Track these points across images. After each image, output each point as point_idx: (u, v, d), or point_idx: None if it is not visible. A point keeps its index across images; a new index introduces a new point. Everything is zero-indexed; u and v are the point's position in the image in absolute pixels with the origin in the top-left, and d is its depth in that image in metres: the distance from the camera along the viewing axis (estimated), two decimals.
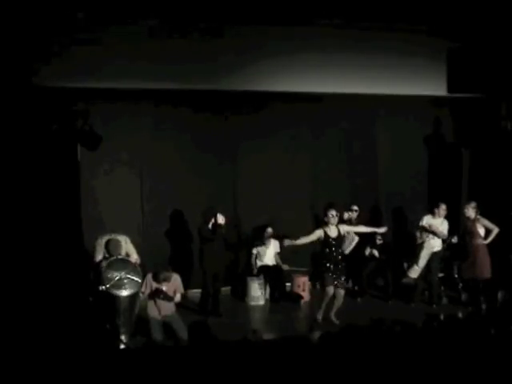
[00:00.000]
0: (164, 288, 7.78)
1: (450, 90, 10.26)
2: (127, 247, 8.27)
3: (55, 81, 8.72)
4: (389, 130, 10.86)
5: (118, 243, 8.08)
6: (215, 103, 10.02)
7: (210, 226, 9.00)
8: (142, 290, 7.85)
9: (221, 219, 9.01)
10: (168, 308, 7.89)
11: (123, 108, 9.59)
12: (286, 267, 9.96)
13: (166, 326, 7.87)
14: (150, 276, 7.91)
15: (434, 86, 10.25)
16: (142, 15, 8.94)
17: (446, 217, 9.36)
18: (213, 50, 9.35)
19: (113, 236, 8.17)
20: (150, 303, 7.88)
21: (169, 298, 7.83)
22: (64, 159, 9.25)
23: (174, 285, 7.94)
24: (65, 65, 8.73)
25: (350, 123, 10.78)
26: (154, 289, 7.82)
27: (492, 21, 9.51)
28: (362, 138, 10.88)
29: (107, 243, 8.08)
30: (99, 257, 8.13)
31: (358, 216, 10.09)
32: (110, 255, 7.98)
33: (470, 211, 9.04)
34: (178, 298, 7.99)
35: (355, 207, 10.02)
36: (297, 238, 8.26)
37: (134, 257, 8.26)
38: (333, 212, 8.28)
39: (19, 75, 8.56)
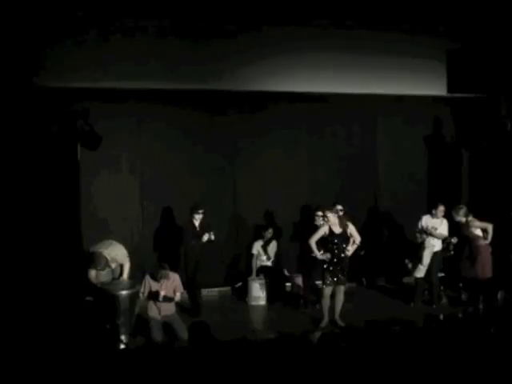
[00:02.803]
0: (163, 292, 7.78)
1: (449, 90, 10.27)
2: (116, 257, 8.17)
3: (55, 81, 8.73)
4: (389, 130, 10.85)
5: (99, 256, 8.04)
6: (215, 103, 10.02)
7: (197, 224, 8.97)
8: (141, 290, 7.86)
9: (208, 236, 8.95)
10: (168, 308, 7.90)
11: (123, 108, 9.59)
12: (286, 272, 9.97)
13: (166, 325, 7.88)
14: (147, 276, 7.91)
15: (433, 86, 10.26)
16: (142, 15, 8.94)
17: (446, 217, 9.35)
18: (213, 50, 9.36)
19: (96, 248, 8.15)
20: (150, 303, 7.88)
21: (169, 299, 7.85)
22: (64, 159, 9.25)
23: (173, 284, 7.95)
24: (65, 65, 8.73)
25: (350, 123, 10.78)
26: (153, 290, 7.82)
27: (491, 21, 9.51)
28: (361, 137, 10.88)
29: (91, 261, 8.08)
30: (92, 273, 8.09)
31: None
32: (97, 270, 8.04)
33: (459, 217, 9.01)
34: (177, 297, 8.01)
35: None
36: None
37: (125, 263, 8.22)
38: (329, 213, 8.41)
39: (19, 75, 8.56)
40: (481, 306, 8.82)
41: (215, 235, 9.02)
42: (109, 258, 8.11)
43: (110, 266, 8.15)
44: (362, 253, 9.38)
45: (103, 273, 8.12)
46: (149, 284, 7.87)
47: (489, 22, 9.57)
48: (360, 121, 10.82)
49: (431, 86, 10.27)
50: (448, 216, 9.32)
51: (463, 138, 10.94)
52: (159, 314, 7.86)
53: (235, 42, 9.50)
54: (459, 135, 10.98)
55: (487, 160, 10.64)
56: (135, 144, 9.77)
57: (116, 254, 8.18)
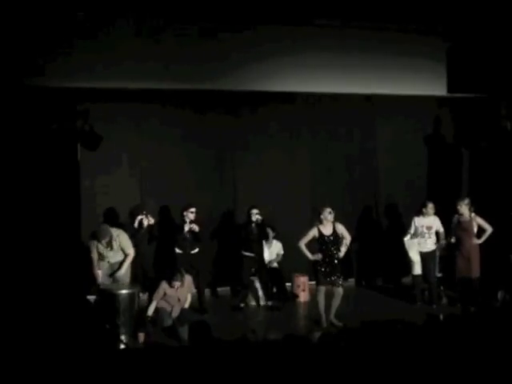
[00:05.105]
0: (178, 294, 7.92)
1: (449, 90, 10.27)
2: (120, 240, 8.29)
3: (55, 81, 8.73)
4: (389, 131, 10.85)
5: (105, 230, 8.19)
6: (215, 103, 10.02)
7: (136, 224, 8.98)
8: (154, 296, 7.92)
9: (147, 221, 8.97)
10: (179, 309, 8.00)
11: (123, 108, 9.59)
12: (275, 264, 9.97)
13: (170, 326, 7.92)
14: (164, 284, 7.95)
15: (434, 86, 10.26)
16: (142, 15, 8.94)
17: (439, 214, 9.35)
18: (213, 49, 9.36)
19: (101, 225, 8.30)
20: (163, 303, 7.90)
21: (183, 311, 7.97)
22: (64, 159, 9.25)
23: (187, 286, 8.08)
24: (65, 65, 8.74)
25: (350, 123, 10.78)
26: (169, 295, 7.89)
27: (491, 21, 9.51)
28: (361, 137, 10.88)
29: (96, 232, 8.21)
30: (94, 256, 8.25)
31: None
32: (100, 242, 8.16)
33: (463, 208, 8.98)
34: (189, 299, 8.14)
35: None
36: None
37: (130, 252, 8.32)
38: (328, 210, 8.35)
39: (19, 75, 8.56)
40: (477, 306, 8.79)
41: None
42: (114, 235, 8.23)
43: (112, 245, 8.22)
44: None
45: (103, 249, 8.21)
46: (163, 291, 7.90)
47: (488, 22, 9.57)
48: (360, 121, 10.82)
49: (431, 86, 10.27)
50: (448, 216, 9.31)
51: (463, 137, 10.94)
52: (170, 314, 7.92)
53: (235, 42, 9.50)
54: (459, 135, 10.97)
55: (487, 160, 10.64)
56: (135, 144, 9.76)
57: (122, 238, 8.30)
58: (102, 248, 8.25)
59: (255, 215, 9.40)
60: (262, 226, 9.47)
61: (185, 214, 9.12)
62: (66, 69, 8.74)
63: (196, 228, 9.09)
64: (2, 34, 8.37)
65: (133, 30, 9.07)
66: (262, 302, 9.62)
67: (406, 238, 9.34)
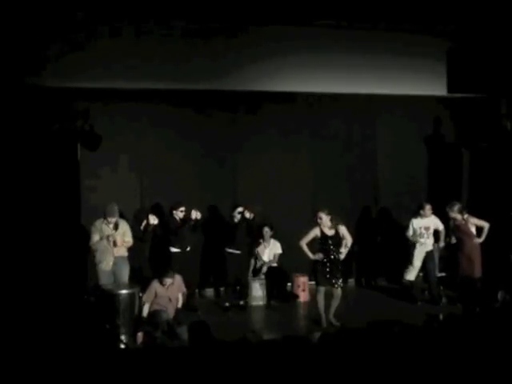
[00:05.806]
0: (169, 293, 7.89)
1: (449, 90, 10.27)
2: (124, 228, 8.45)
3: (55, 81, 8.73)
4: (389, 131, 10.86)
5: (113, 208, 8.35)
6: (215, 103, 10.02)
7: (142, 226, 9.01)
8: (146, 295, 7.90)
9: (152, 220, 9.01)
10: (174, 310, 7.99)
11: (123, 108, 9.60)
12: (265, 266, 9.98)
13: (169, 326, 7.90)
14: (155, 283, 7.92)
15: (434, 86, 10.27)
16: (141, 15, 8.94)
17: (438, 215, 9.35)
18: (213, 49, 9.37)
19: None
20: (155, 305, 7.89)
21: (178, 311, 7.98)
22: (64, 159, 9.25)
23: (177, 285, 8.04)
24: (65, 65, 8.74)
25: (350, 123, 10.79)
26: (160, 295, 7.87)
27: (491, 21, 9.52)
28: (361, 137, 10.89)
29: (105, 209, 8.33)
30: (95, 238, 8.33)
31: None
32: (107, 224, 8.29)
33: (453, 214, 8.97)
34: (181, 299, 8.11)
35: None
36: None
37: (129, 240, 8.45)
38: (322, 214, 8.33)
39: (19, 75, 8.56)
40: (478, 306, 8.80)
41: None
42: (120, 222, 8.40)
43: (116, 227, 8.35)
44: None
45: (107, 230, 8.30)
46: (154, 290, 7.88)
47: (489, 22, 9.57)
48: (360, 121, 10.82)
49: (431, 85, 10.28)
50: (438, 214, 9.32)
51: (463, 137, 10.95)
52: (166, 314, 7.91)
53: (235, 42, 9.51)
54: (459, 135, 10.98)
55: (487, 160, 10.65)
56: (135, 144, 9.77)
57: (126, 226, 8.49)
58: (107, 230, 8.29)
59: (238, 213, 9.49)
60: (249, 223, 9.51)
61: (174, 212, 9.18)
62: (66, 69, 8.74)
63: (199, 214, 9.17)
64: (1, 33, 8.37)
65: (132, 30, 9.07)
66: (261, 302, 9.63)
67: (418, 244, 9.32)
